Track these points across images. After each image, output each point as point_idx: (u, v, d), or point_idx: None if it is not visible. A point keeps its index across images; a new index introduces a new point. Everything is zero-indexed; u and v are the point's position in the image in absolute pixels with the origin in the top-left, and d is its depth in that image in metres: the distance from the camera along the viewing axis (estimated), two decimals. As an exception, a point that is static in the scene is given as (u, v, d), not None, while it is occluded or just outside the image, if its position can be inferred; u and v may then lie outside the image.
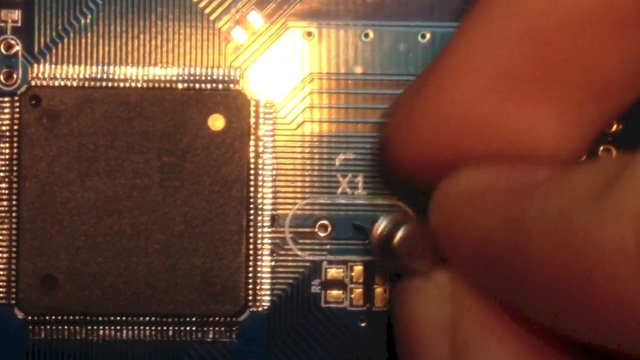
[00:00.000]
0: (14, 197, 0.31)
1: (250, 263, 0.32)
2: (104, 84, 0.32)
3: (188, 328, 0.32)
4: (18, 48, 0.32)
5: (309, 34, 0.32)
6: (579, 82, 0.25)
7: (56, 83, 0.32)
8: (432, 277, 0.27)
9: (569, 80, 0.25)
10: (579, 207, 0.22)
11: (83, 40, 0.32)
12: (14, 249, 0.31)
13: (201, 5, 0.32)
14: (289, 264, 0.32)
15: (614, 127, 0.33)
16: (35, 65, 0.32)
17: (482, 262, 0.24)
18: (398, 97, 0.27)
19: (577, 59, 0.25)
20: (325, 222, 0.32)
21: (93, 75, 0.32)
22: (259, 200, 0.32)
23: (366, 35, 0.32)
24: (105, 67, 0.32)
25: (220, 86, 0.32)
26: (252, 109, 0.32)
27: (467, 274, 0.25)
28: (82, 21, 0.32)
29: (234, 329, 0.32)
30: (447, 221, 0.26)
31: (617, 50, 0.24)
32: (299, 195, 0.32)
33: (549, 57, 0.25)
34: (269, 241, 0.32)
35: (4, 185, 0.32)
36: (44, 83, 0.32)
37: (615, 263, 0.21)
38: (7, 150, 0.32)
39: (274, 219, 0.32)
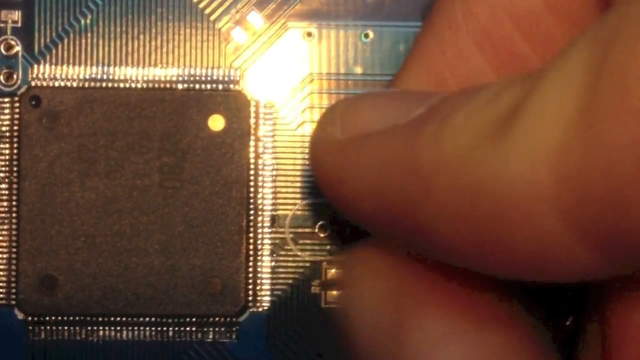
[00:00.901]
0: (14, 197, 0.31)
1: (250, 263, 0.32)
2: (104, 84, 0.32)
3: (188, 328, 0.32)
4: (18, 48, 0.32)
5: (309, 34, 0.32)
6: None
7: (56, 83, 0.32)
8: (358, 252, 0.26)
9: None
10: (478, 147, 0.20)
11: (83, 41, 0.32)
12: (14, 250, 0.31)
13: (201, 5, 0.32)
14: (289, 264, 0.32)
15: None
16: (36, 66, 0.32)
17: (383, 218, 0.23)
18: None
19: (535, 54, 0.25)
20: (325, 222, 0.32)
21: (93, 75, 0.32)
22: (259, 201, 0.32)
23: (366, 36, 0.32)
24: (105, 68, 0.32)
25: (220, 87, 0.32)
26: (252, 109, 0.32)
27: (370, 230, 0.24)
28: (82, 22, 0.32)
29: (234, 329, 0.32)
30: (335, 177, 0.24)
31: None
32: (299, 196, 0.32)
33: (508, 55, 0.25)
34: (269, 242, 0.32)
35: (4, 185, 0.32)
36: (44, 83, 0.32)
37: (532, 202, 0.20)
38: (7, 151, 0.32)
39: (274, 220, 0.32)
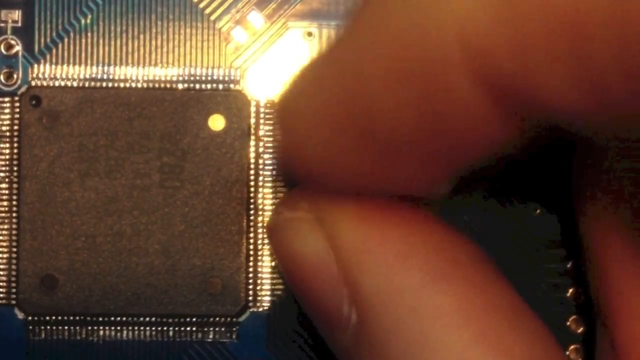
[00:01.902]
0: (14, 197, 0.31)
1: (251, 263, 0.32)
2: (104, 84, 0.32)
3: (188, 328, 0.32)
4: (18, 48, 0.32)
5: (310, 34, 0.32)
6: None
7: (56, 83, 0.32)
8: (294, 207, 0.26)
9: None
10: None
11: (83, 41, 0.32)
12: (14, 249, 0.31)
13: (201, 5, 0.32)
14: (289, 264, 0.32)
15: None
16: (36, 66, 0.32)
17: (338, 139, 0.24)
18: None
19: None
20: (326, 222, 0.32)
21: (93, 75, 0.32)
22: (260, 201, 0.32)
23: (367, 36, 0.32)
24: (106, 68, 0.32)
25: (220, 86, 0.32)
26: (253, 109, 0.32)
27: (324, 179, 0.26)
28: (82, 21, 0.32)
29: (234, 329, 0.32)
30: (294, 114, 0.25)
31: None
32: (299, 196, 0.32)
33: None
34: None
35: (4, 185, 0.32)
36: (44, 83, 0.32)
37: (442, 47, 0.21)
38: (8, 151, 0.32)
39: (274, 220, 0.32)
